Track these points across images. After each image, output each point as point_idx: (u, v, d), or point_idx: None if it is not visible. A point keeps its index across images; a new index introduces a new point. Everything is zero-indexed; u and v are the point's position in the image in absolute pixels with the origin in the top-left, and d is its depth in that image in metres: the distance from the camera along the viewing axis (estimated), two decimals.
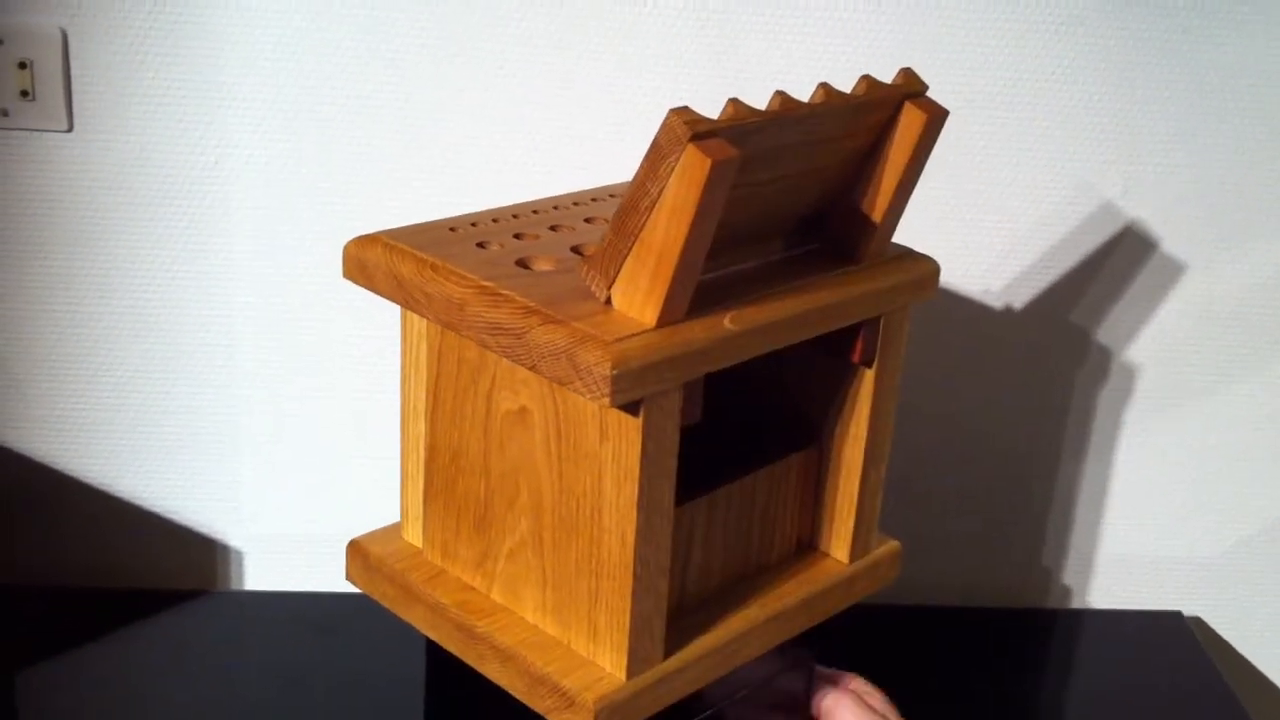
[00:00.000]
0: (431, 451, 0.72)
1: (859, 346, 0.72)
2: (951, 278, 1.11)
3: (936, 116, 0.67)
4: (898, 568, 0.81)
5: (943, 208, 1.09)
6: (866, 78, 0.65)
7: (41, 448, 1.13)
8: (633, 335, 0.60)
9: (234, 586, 1.19)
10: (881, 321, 0.72)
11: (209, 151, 1.03)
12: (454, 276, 0.65)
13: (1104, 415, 1.18)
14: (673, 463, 0.63)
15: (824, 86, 0.64)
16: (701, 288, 0.63)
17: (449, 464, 0.71)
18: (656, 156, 0.59)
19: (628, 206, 0.60)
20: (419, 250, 0.68)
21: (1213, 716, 1.12)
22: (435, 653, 0.74)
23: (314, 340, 1.10)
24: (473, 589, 0.72)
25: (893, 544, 0.80)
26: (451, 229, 0.72)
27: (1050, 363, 1.16)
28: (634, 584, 0.64)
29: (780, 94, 0.61)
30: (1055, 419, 1.18)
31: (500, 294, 0.63)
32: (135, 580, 1.17)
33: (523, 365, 0.62)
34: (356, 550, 0.78)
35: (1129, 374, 1.17)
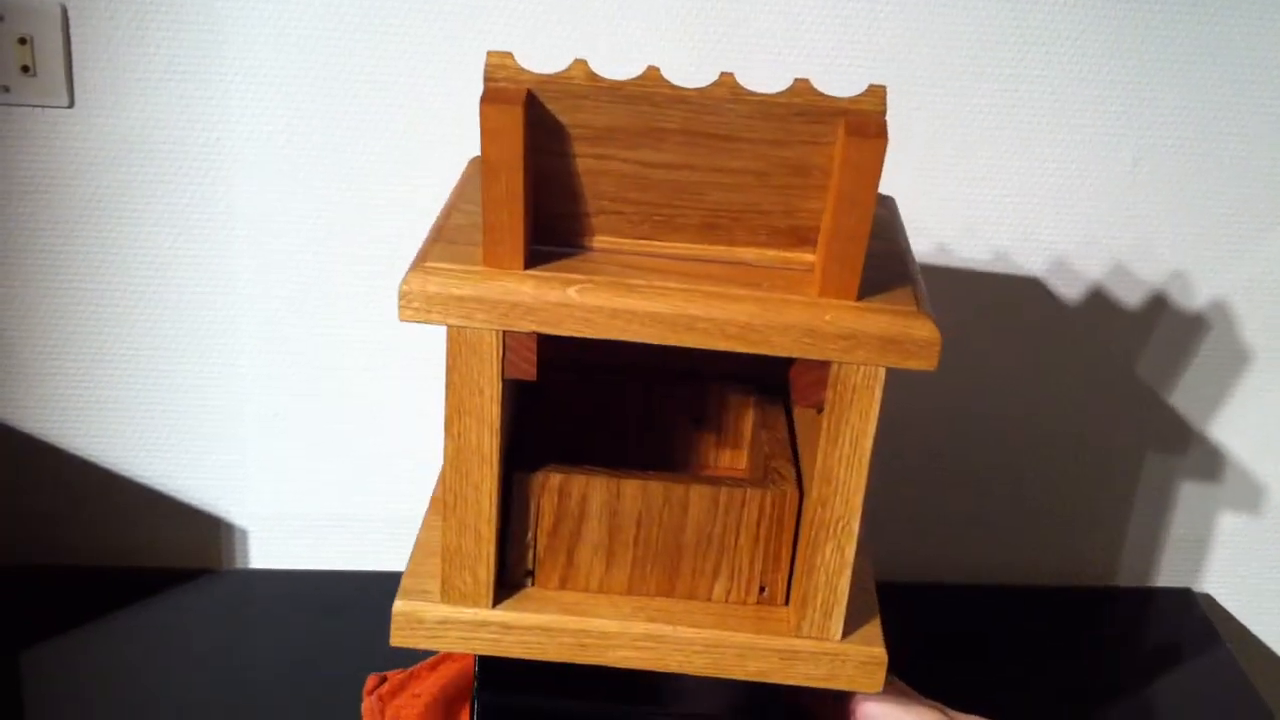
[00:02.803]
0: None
1: (799, 385, 0.68)
2: (959, 253, 1.11)
3: (868, 148, 0.62)
4: (876, 679, 0.72)
5: (951, 182, 1.08)
6: (802, 83, 0.62)
7: (44, 427, 1.12)
8: (452, 267, 0.65)
9: (238, 565, 1.19)
10: (837, 370, 0.66)
11: (211, 128, 1.03)
12: None
13: (1121, 395, 1.18)
14: (491, 409, 0.67)
15: (725, 77, 0.62)
16: (593, 257, 0.66)
17: None
18: None
19: None
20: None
21: (1222, 692, 1.12)
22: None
23: (317, 317, 1.10)
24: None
25: (872, 650, 0.72)
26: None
27: (1062, 341, 1.15)
28: (445, 516, 0.70)
29: (580, 63, 0.62)
30: (1063, 401, 1.18)
31: None
32: (139, 559, 1.16)
33: None
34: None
35: (1140, 352, 1.16)
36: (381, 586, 1.14)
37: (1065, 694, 1.10)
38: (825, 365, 0.66)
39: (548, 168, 0.65)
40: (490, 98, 0.61)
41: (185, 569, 1.16)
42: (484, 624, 0.72)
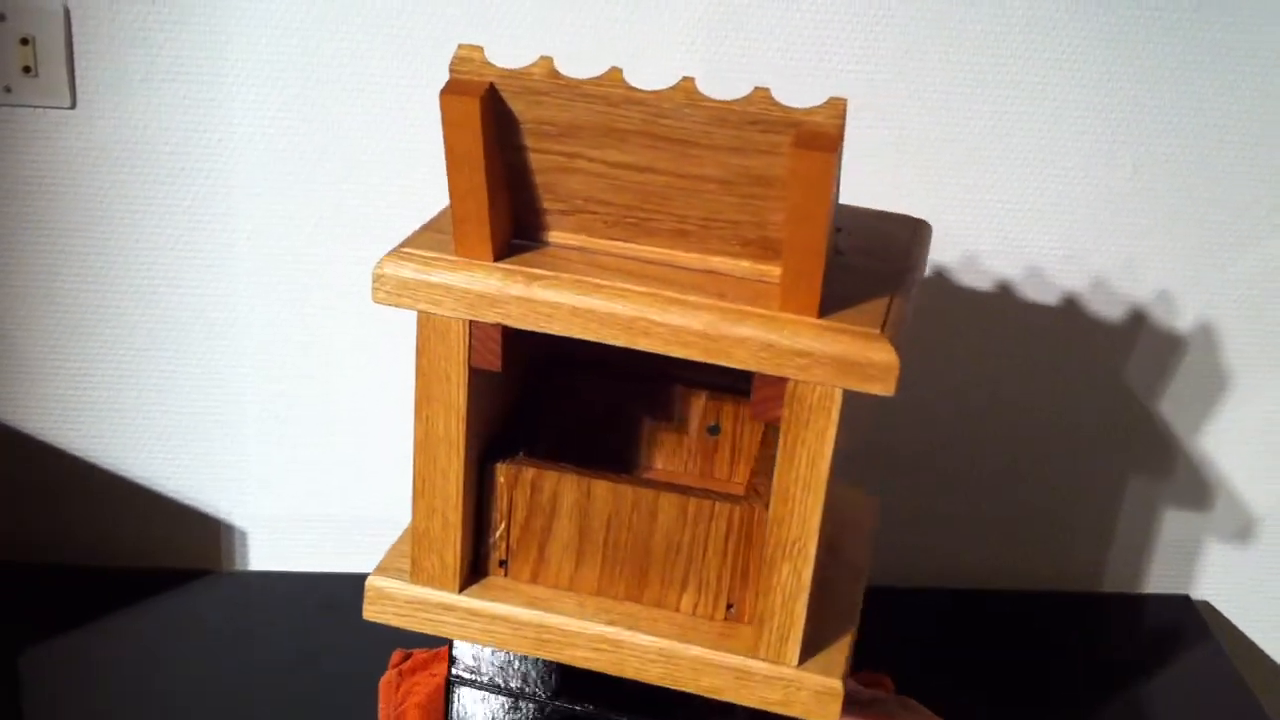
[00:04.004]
0: None
1: (757, 399, 0.66)
2: (961, 258, 1.11)
3: (816, 161, 0.59)
4: (830, 711, 0.70)
5: (952, 188, 1.08)
6: (761, 91, 0.61)
7: (45, 427, 1.12)
8: (427, 254, 0.66)
9: (238, 566, 1.19)
10: (793, 387, 0.64)
11: (213, 129, 1.03)
12: None
13: (1115, 400, 1.18)
14: (457, 395, 0.68)
15: (685, 82, 0.62)
16: (566, 255, 0.67)
17: None
18: None
19: None
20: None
21: (1220, 699, 1.12)
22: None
23: (318, 319, 1.10)
24: None
25: (828, 681, 0.69)
26: None
27: (1061, 347, 1.15)
28: (414, 499, 0.71)
29: (545, 59, 0.62)
30: (1063, 406, 1.18)
31: None
32: (140, 560, 1.16)
33: None
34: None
35: (1139, 358, 1.16)
36: None
37: (1062, 699, 1.10)
38: (783, 381, 0.64)
39: (520, 163, 0.66)
40: (449, 89, 0.62)
41: (185, 570, 1.16)
42: (450, 608, 0.73)
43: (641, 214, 0.66)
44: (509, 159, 0.65)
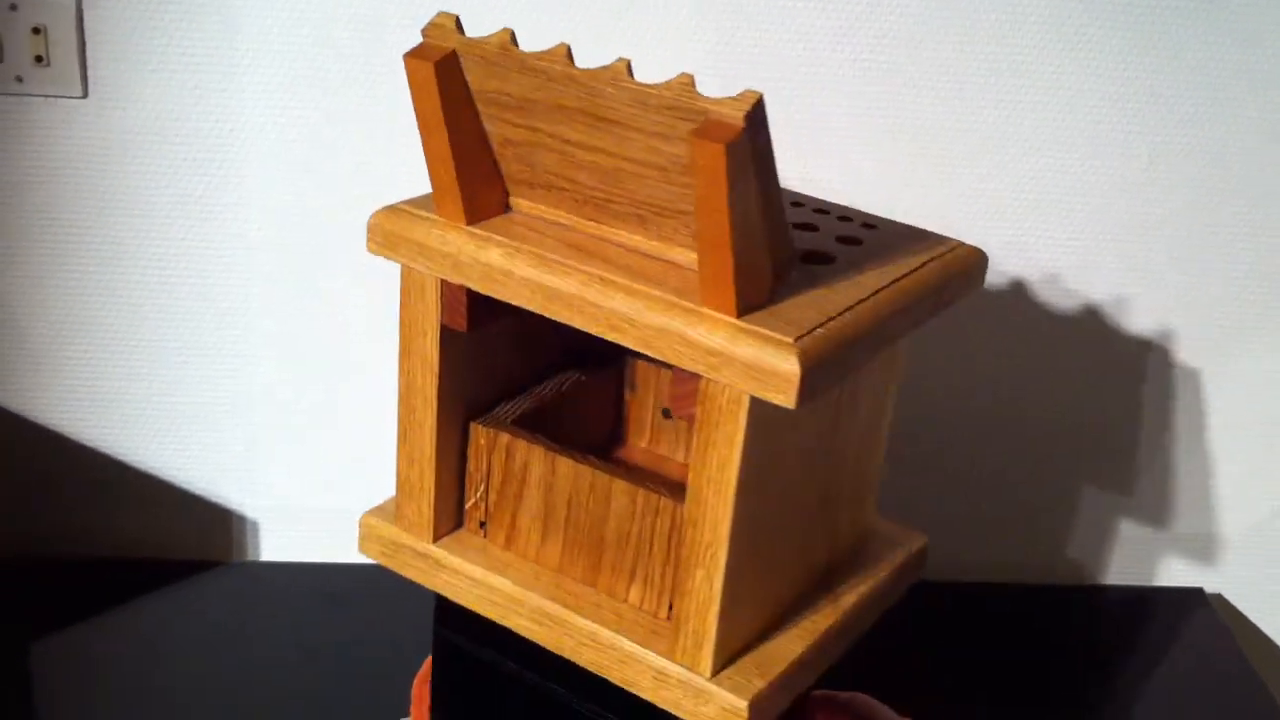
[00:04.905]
0: None
1: (675, 393, 0.65)
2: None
3: (709, 151, 0.57)
4: None
5: (965, 178, 1.08)
6: (684, 77, 0.59)
7: (56, 418, 1.12)
8: (416, 212, 0.69)
9: (249, 557, 1.19)
10: (705, 385, 0.62)
11: (225, 118, 1.03)
12: None
13: (1126, 394, 1.17)
14: (431, 351, 0.70)
15: (618, 62, 0.61)
16: (539, 227, 0.68)
17: None
18: None
19: None
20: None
21: (1233, 692, 1.11)
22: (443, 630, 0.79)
23: (330, 310, 1.10)
24: None
25: (734, 700, 0.67)
26: None
27: (1073, 340, 1.15)
28: (397, 447, 0.74)
29: (504, 31, 0.63)
30: (1077, 398, 1.17)
31: None
32: (150, 551, 1.17)
33: None
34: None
35: (1151, 352, 1.16)
36: (392, 579, 1.14)
37: (1074, 693, 1.10)
38: (698, 378, 0.63)
39: (497, 133, 0.67)
40: (412, 52, 0.64)
41: (197, 561, 1.16)
42: (422, 555, 0.75)
43: (602, 195, 0.66)
44: (488, 129, 0.67)
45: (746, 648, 0.70)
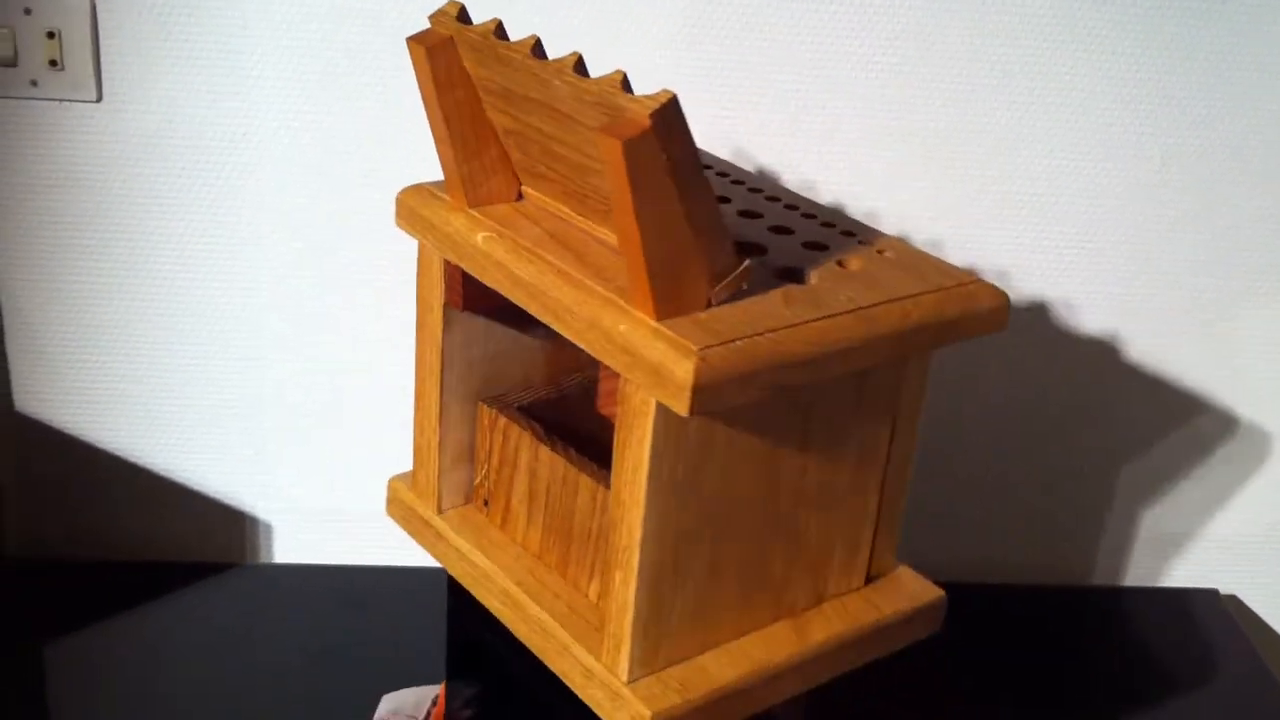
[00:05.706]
0: None
1: (602, 390, 0.67)
2: (984, 252, 1.10)
3: (609, 146, 0.56)
4: None
5: (977, 180, 1.08)
6: (616, 73, 0.58)
7: (69, 420, 1.13)
8: (437, 192, 0.71)
9: (262, 559, 1.19)
10: (623, 385, 0.61)
11: (239, 121, 1.03)
12: None
13: (1140, 396, 1.17)
14: (436, 328, 0.72)
15: (570, 55, 0.60)
16: (530, 214, 0.69)
17: None
18: None
19: None
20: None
21: (1248, 693, 1.11)
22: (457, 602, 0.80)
23: (344, 311, 1.10)
24: None
25: (640, 710, 0.65)
26: None
27: (1086, 341, 1.15)
28: (415, 412, 0.76)
29: (492, 21, 0.63)
30: (1091, 399, 1.17)
31: None
32: (163, 553, 1.17)
33: None
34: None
35: (1165, 353, 1.16)
36: (406, 581, 1.14)
37: (1088, 694, 1.10)
38: (618, 377, 0.62)
39: (496, 122, 0.68)
40: (413, 36, 0.65)
41: (210, 563, 1.16)
42: (427, 524, 0.78)
43: (576, 186, 0.66)
44: (490, 117, 0.68)
45: (678, 661, 0.68)
